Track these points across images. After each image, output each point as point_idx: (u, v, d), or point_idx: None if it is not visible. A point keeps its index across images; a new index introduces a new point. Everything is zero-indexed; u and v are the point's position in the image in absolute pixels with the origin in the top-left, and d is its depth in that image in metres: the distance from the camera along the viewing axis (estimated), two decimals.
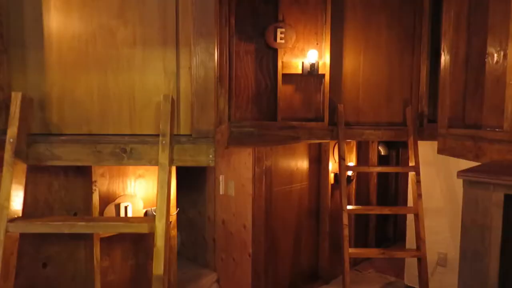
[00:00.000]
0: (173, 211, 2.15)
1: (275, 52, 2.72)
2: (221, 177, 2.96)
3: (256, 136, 2.71)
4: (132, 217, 1.91)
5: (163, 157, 1.47)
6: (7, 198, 1.44)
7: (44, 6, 1.54)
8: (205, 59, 1.51)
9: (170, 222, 1.99)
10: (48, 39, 1.55)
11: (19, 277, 1.62)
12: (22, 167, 1.50)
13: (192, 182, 3.22)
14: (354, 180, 4.01)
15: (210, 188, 3.08)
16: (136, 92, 1.59)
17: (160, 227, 1.43)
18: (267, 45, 2.73)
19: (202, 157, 1.54)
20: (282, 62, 2.73)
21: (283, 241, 3.22)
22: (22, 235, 1.55)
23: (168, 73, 1.58)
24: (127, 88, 1.58)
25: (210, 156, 1.54)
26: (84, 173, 1.83)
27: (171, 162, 1.50)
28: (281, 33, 2.71)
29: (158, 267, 1.41)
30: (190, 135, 1.56)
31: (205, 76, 1.52)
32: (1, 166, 1.45)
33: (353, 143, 3.94)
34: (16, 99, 1.46)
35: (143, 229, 1.45)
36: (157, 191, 1.47)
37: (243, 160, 2.75)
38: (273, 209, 2.88)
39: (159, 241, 1.42)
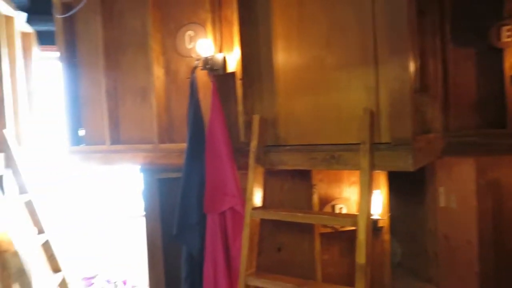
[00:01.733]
0: (384, 216, 2.29)
1: (499, 53, 2.50)
2: (441, 189, 2.86)
3: (479, 146, 2.53)
4: (339, 213, 2.18)
5: (364, 162, 1.68)
6: (252, 193, 1.97)
7: (274, 48, 2.03)
8: (399, 73, 1.65)
9: (378, 224, 2.15)
10: (276, 72, 2.03)
11: (260, 256, 2.13)
12: (260, 170, 2.01)
13: (410, 193, 3.22)
14: None
15: (429, 200, 3.01)
16: (342, 107, 1.86)
17: (361, 223, 1.65)
18: (489, 47, 2.54)
19: (400, 162, 1.67)
20: (510, 63, 2.47)
21: None
22: (262, 223, 2.05)
23: (368, 89, 1.79)
24: (334, 105, 1.88)
25: (409, 162, 1.65)
26: (306, 178, 2.23)
27: (371, 167, 1.69)
28: (507, 30, 2.48)
29: (361, 257, 1.62)
30: (389, 143, 1.71)
31: (400, 89, 1.66)
32: (246, 169, 2.00)
33: None
34: (256, 120, 1.99)
35: (347, 223, 1.70)
36: (360, 191, 1.69)
37: (465, 171, 2.59)
38: (504, 224, 2.56)
39: (361, 235, 1.64)
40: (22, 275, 2.46)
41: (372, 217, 2.07)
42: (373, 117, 1.73)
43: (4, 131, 2.74)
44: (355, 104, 1.82)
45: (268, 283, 1.88)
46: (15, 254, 2.44)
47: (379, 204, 2.21)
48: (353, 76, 1.83)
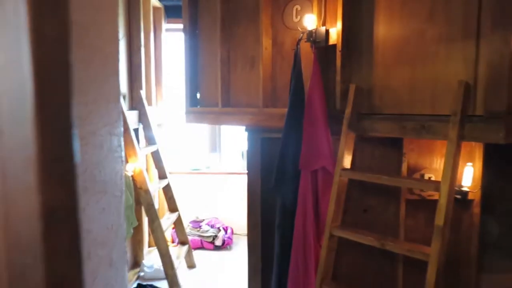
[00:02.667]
0: (475, 188, 2.31)
1: None
2: None
3: None
4: (422, 179, 2.26)
5: (452, 133, 1.77)
6: (342, 156, 2.17)
7: (375, 20, 2.15)
8: (500, 47, 1.67)
9: (467, 196, 2.19)
10: (376, 44, 2.15)
11: (347, 215, 2.34)
12: (352, 136, 2.20)
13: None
14: None
15: None
16: (438, 79, 1.93)
17: (444, 189, 1.76)
18: None
19: (491, 134, 1.71)
20: None
21: None
22: (350, 185, 2.25)
23: (466, 62, 1.83)
24: (430, 77, 1.96)
25: (501, 134, 1.69)
26: (397, 147, 2.35)
27: (460, 138, 1.77)
28: None
29: (439, 219, 1.75)
30: (482, 115, 1.76)
31: (499, 62, 1.68)
32: (339, 135, 2.20)
33: None
34: (352, 89, 2.16)
35: (429, 188, 1.82)
36: (445, 160, 1.79)
37: None
38: None
39: (442, 199, 1.75)
40: (150, 209, 3.05)
41: (461, 189, 2.14)
42: (467, 89, 1.78)
43: (141, 91, 3.33)
44: (452, 76, 1.87)
45: (350, 235, 2.10)
46: (147, 191, 3.03)
47: (469, 176, 2.24)
48: (452, 49, 1.88)
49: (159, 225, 3.05)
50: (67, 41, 0.42)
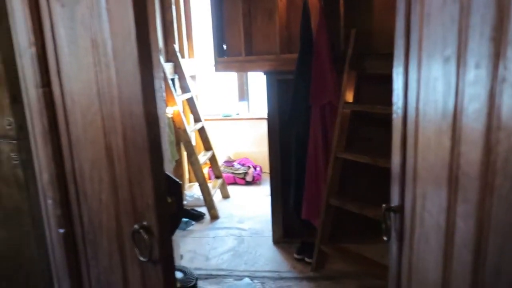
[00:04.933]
0: None
1: None
2: None
3: None
4: None
5: None
6: (345, 91, 2.58)
7: None
8: None
9: None
10: None
11: (354, 146, 2.77)
12: (353, 74, 2.59)
13: None
14: None
15: None
16: None
17: None
18: None
19: None
20: None
21: None
22: (354, 117, 2.66)
23: None
24: None
25: None
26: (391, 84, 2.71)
27: None
28: None
29: None
30: None
31: None
32: (343, 73, 2.59)
33: None
34: (353, 32, 2.52)
35: None
36: None
37: None
38: None
39: None
40: (188, 146, 3.61)
41: None
42: None
43: (174, 45, 3.79)
44: None
45: (351, 156, 2.56)
46: (184, 130, 3.58)
47: None
48: None
49: (197, 159, 3.62)
50: (146, 10, 0.88)
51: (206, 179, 3.85)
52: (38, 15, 1.20)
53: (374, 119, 2.81)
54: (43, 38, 1.22)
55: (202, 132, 4.08)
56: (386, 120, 2.77)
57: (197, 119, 4.07)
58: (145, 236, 0.92)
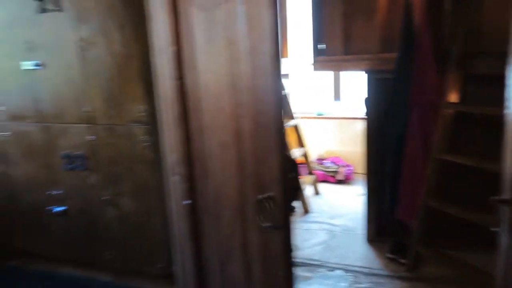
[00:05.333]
0: None
1: None
2: None
3: None
4: None
5: None
6: (449, 91, 2.51)
7: None
8: None
9: None
10: None
11: (456, 150, 2.67)
12: (459, 74, 2.51)
13: None
14: None
15: None
16: None
17: None
18: None
19: None
20: None
21: None
22: (458, 119, 2.57)
23: None
24: None
25: None
26: (502, 83, 2.56)
27: None
28: None
29: None
30: None
31: None
32: (447, 73, 2.53)
33: None
34: (460, 30, 2.45)
35: None
36: None
37: None
38: None
39: None
40: None
41: None
42: None
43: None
44: None
45: (453, 157, 2.48)
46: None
47: None
48: None
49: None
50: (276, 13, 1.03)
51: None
52: (176, 19, 1.43)
53: (479, 121, 2.68)
54: (179, 39, 1.46)
55: (295, 129, 4.22)
56: (492, 122, 2.63)
57: (289, 117, 4.22)
58: (269, 205, 1.07)
